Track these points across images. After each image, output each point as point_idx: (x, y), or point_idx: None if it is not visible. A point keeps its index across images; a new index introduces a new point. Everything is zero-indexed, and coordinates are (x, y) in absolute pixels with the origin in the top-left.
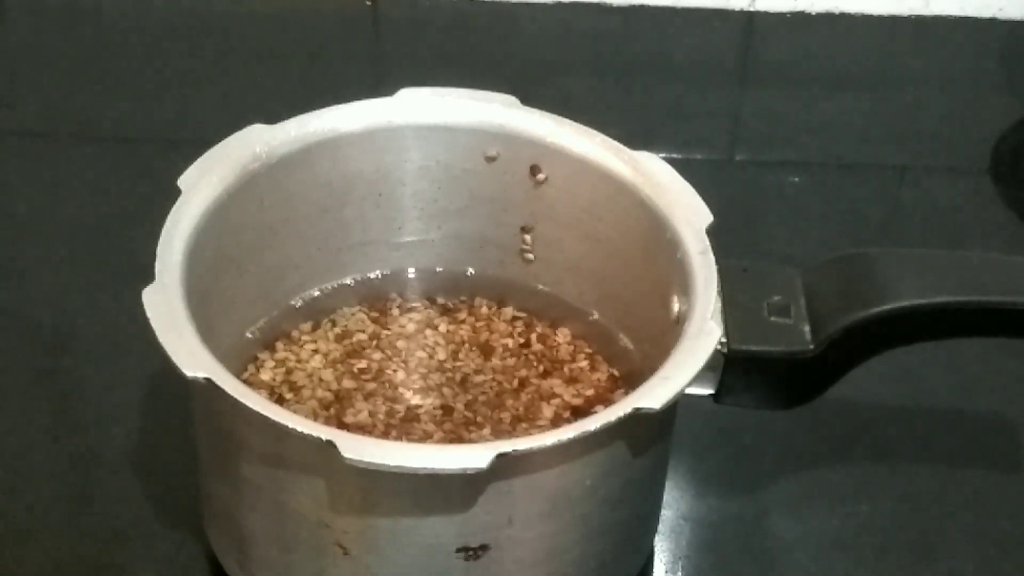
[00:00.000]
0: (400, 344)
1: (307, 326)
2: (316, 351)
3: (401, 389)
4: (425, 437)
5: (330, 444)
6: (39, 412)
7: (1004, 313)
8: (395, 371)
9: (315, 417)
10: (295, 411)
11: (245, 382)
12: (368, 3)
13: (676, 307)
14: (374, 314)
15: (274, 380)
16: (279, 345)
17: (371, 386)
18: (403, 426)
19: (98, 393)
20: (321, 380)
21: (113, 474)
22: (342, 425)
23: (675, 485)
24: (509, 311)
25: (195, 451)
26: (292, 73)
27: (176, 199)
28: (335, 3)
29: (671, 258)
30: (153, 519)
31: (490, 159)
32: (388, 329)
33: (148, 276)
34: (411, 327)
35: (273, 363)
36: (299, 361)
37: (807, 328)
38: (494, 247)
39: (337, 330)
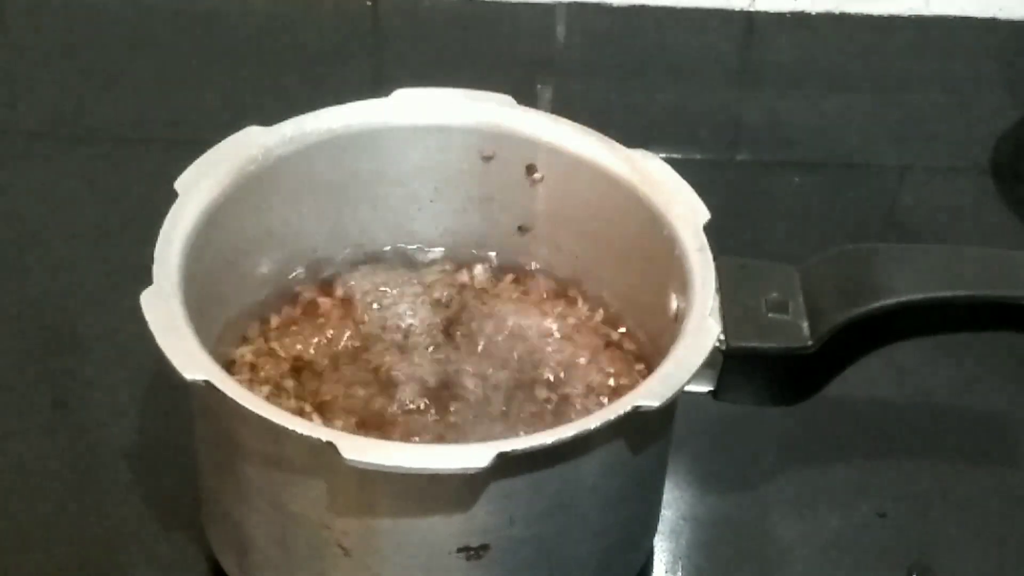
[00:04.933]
0: (398, 343)
1: (304, 326)
2: (314, 351)
3: (399, 387)
4: (424, 436)
5: (330, 445)
6: (39, 413)
7: (1002, 307)
8: (394, 370)
9: (312, 417)
10: (295, 411)
11: (242, 383)
12: (368, 3)
13: (674, 305)
14: (372, 312)
15: (272, 380)
16: (276, 345)
17: (370, 385)
18: (402, 425)
19: (98, 394)
20: (319, 379)
21: (113, 475)
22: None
23: (675, 485)
24: (511, 314)
25: (195, 452)
26: (292, 73)
27: (174, 200)
28: (335, 3)
29: (669, 256)
30: (153, 520)
31: (486, 159)
32: (386, 328)
33: (146, 277)
34: (408, 327)
35: (271, 363)
36: (297, 361)
37: (805, 324)
38: (491, 246)
39: (336, 327)
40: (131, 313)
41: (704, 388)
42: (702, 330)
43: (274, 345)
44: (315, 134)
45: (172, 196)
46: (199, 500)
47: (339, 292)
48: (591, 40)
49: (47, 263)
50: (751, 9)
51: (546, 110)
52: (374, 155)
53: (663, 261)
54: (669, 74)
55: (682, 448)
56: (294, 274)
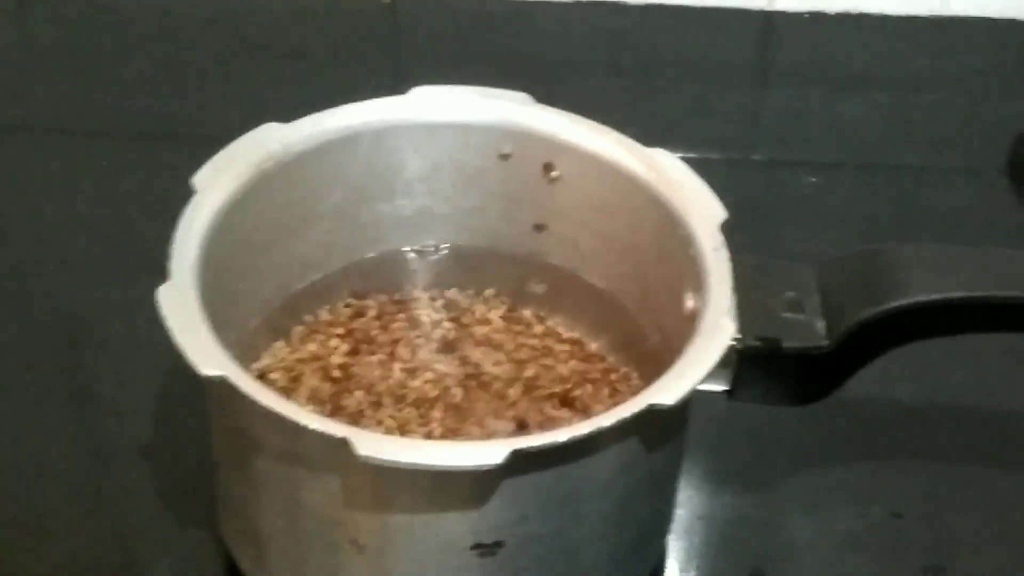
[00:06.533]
0: (412, 342)
1: (320, 323)
2: (329, 347)
3: (412, 385)
4: (433, 433)
5: (345, 441)
6: (54, 409)
7: (1019, 308)
8: (408, 367)
9: (324, 413)
10: (306, 406)
11: (258, 379)
12: (386, 1)
13: (690, 303)
14: (387, 310)
15: (285, 377)
16: (293, 341)
17: (381, 383)
18: (414, 422)
19: (113, 390)
20: (331, 377)
21: (128, 471)
22: (352, 423)
23: (689, 484)
24: (527, 312)
25: (210, 448)
26: (311, 71)
27: (191, 197)
28: (354, 1)
29: (685, 255)
30: (168, 516)
31: (503, 157)
32: (400, 326)
33: (163, 274)
34: (424, 324)
35: (285, 360)
36: (311, 358)
37: (821, 324)
38: (508, 244)
39: (349, 327)
40: (147, 310)
41: (719, 387)
42: (717, 329)
43: (294, 343)
44: (333, 131)
45: (189, 192)
46: (215, 496)
47: (357, 297)
48: (609, 39)
49: (64, 259)
50: (769, 9)
51: (564, 108)
52: (392, 152)
53: (679, 260)
54: (687, 73)
55: (696, 447)
56: (310, 272)
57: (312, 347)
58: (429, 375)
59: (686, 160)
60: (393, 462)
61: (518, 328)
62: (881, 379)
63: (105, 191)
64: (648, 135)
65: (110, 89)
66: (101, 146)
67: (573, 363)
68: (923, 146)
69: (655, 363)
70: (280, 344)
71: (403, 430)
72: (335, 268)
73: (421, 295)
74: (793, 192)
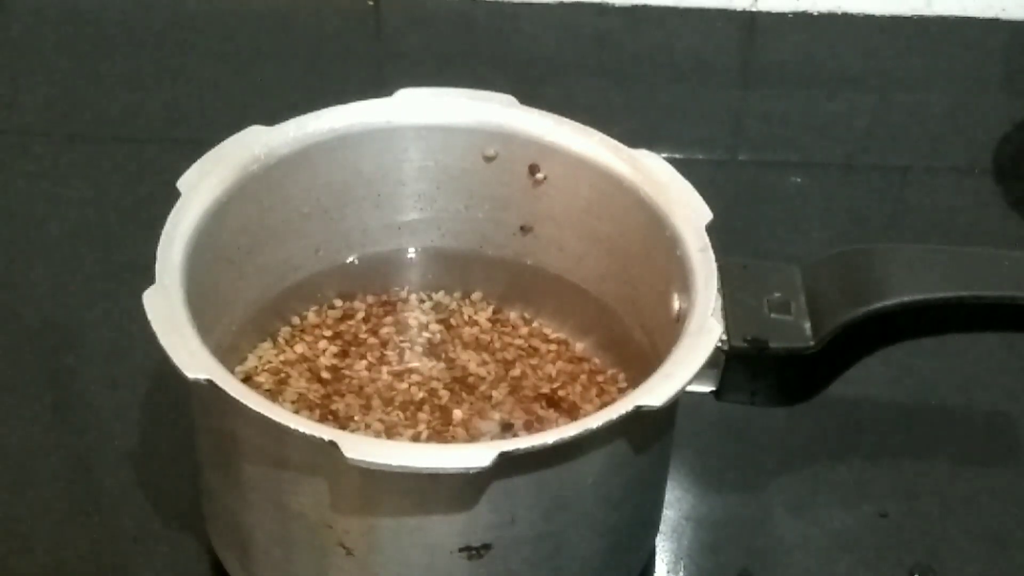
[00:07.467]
0: (398, 344)
1: (308, 324)
2: (318, 348)
3: (397, 388)
4: (421, 435)
5: (332, 444)
6: (40, 412)
7: (1004, 308)
8: (393, 371)
9: (311, 416)
10: (292, 410)
11: (243, 381)
12: (370, 3)
13: (676, 305)
14: (375, 313)
15: (272, 379)
16: (278, 344)
17: (370, 385)
18: (399, 426)
19: (99, 393)
20: (319, 379)
21: (114, 474)
22: (339, 425)
23: (677, 485)
24: (513, 314)
25: (196, 451)
26: (294, 73)
27: (176, 200)
28: (337, 3)
29: (671, 256)
30: (154, 520)
31: (489, 159)
32: (387, 328)
33: (148, 276)
34: (410, 327)
35: (272, 362)
36: (298, 360)
37: (808, 324)
38: (493, 246)
39: (335, 329)
40: (132, 313)
41: (706, 388)
42: (704, 330)
43: (280, 344)
44: (317, 134)
45: (175, 195)
46: (200, 499)
47: (344, 299)
48: (593, 40)
49: (49, 262)
50: (753, 9)
51: (548, 110)
52: (376, 155)
53: (665, 261)
54: (671, 74)
55: (684, 448)
56: (296, 274)
57: (300, 349)
58: (416, 377)
59: (671, 161)
60: (380, 465)
61: (504, 329)
62: (867, 379)
63: (90, 194)
64: (633, 136)
65: (94, 92)
66: (85, 149)
67: (560, 364)
68: (907, 146)
69: (642, 364)
70: (266, 345)
71: (390, 433)
72: (321, 270)
73: (408, 297)
74: (778, 192)
